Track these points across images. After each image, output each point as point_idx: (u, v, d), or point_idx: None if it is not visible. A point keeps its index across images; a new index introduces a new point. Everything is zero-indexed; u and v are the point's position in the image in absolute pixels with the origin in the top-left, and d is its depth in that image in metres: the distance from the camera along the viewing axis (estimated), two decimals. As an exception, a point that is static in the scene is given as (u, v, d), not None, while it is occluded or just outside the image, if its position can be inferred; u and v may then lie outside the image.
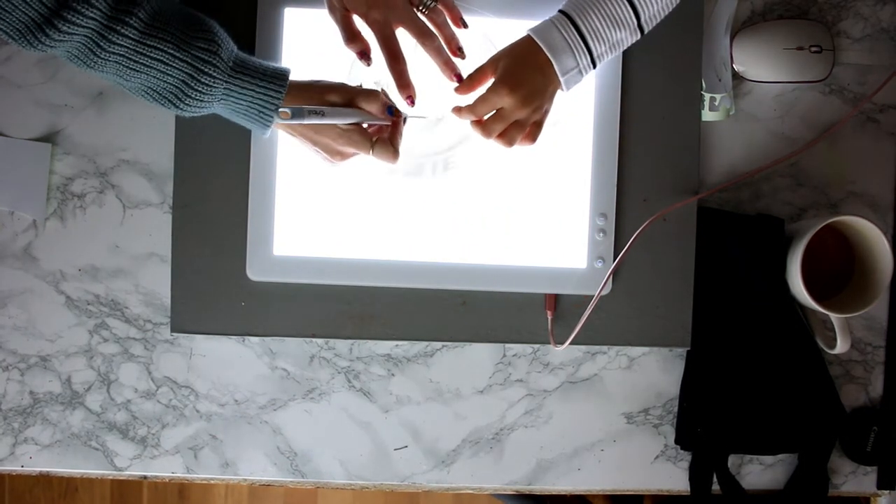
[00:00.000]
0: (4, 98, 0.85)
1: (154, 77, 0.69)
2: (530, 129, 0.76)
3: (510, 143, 0.75)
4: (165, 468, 0.87)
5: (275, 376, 0.87)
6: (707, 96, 0.86)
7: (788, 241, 0.87)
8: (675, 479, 0.90)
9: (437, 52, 0.75)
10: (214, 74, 0.70)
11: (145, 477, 0.88)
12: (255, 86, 0.71)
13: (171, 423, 0.87)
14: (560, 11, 0.74)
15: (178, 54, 0.68)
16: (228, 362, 0.87)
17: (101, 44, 0.66)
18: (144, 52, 0.67)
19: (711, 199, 0.89)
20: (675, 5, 0.75)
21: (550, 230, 0.84)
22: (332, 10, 0.75)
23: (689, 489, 0.89)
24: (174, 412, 0.87)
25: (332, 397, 0.87)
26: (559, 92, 0.76)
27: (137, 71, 0.68)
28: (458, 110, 0.75)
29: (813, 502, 0.89)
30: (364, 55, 0.76)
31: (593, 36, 0.73)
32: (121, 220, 0.86)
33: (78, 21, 0.64)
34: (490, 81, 0.74)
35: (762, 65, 0.88)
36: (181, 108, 0.71)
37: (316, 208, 0.83)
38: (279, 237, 0.83)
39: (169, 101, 0.70)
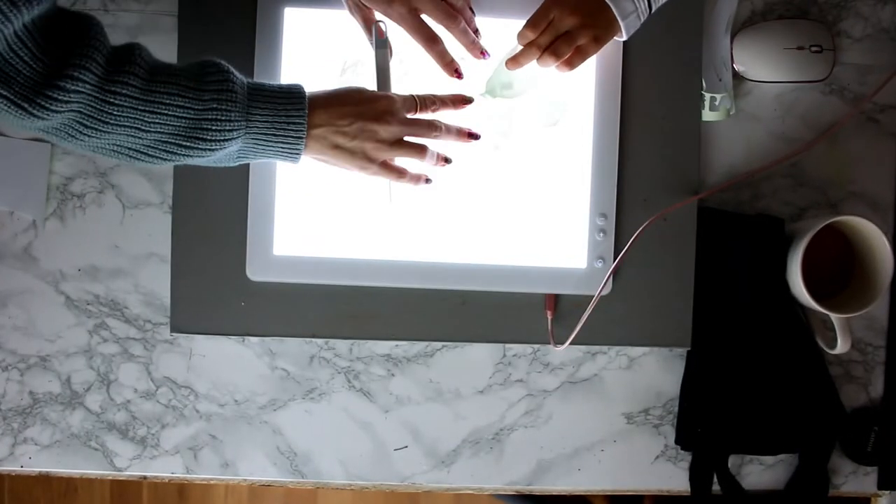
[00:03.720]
0: (4, 98, 0.85)
1: (173, 116, 0.65)
2: (573, 52, 0.77)
3: (557, 56, 0.76)
4: (165, 468, 0.87)
5: (275, 376, 0.87)
6: (707, 96, 0.86)
7: (789, 241, 0.87)
8: (676, 479, 0.90)
9: (462, 34, 0.76)
10: (234, 95, 0.67)
11: (145, 477, 0.88)
12: (276, 104, 0.69)
13: (171, 424, 0.87)
14: None
15: (191, 85, 0.66)
16: (228, 362, 0.87)
17: (112, 89, 0.63)
18: (156, 89, 0.65)
19: (711, 199, 0.89)
20: None
21: (550, 230, 0.84)
22: (352, 10, 0.76)
23: (689, 489, 0.89)
24: (174, 412, 0.87)
25: (332, 397, 0.87)
26: (616, 39, 0.78)
27: (155, 113, 0.65)
28: (520, 35, 0.77)
29: (813, 502, 0.89)
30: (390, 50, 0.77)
31: None
32: (120, 220, 0.86)
33: (77, 84, 0.61)
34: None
35: (762, 65, 0.88)
36: (210, 143, 0.67)
37: (316, 208, 0.83)
38: (279, 237, 0.83)
39: (196, 138, 0.67)
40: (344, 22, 0.80)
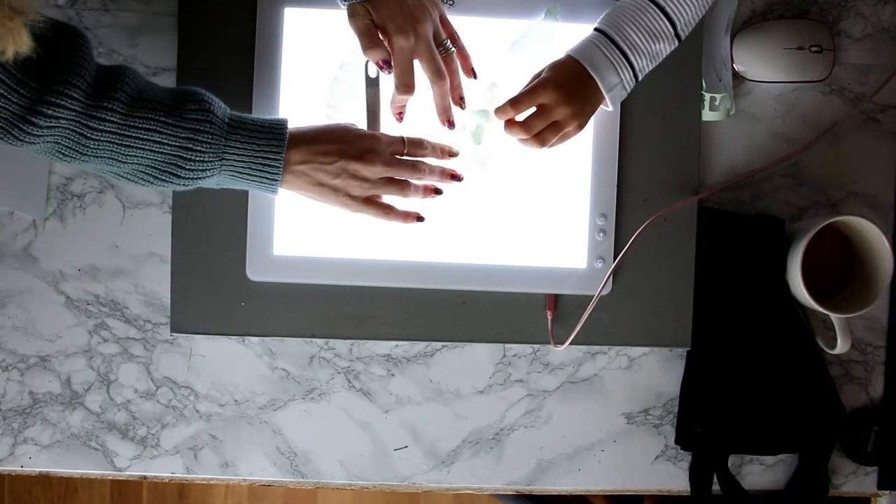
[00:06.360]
0: (4, 98, 0.85)
1: (150, 151, 0.67)
2: (558, 138, 0.76)
3: (542, 143, 0.76)
4: (165, 468, 0.87)
5: (275, 376, 0.87)
6: (707, 96, 0.86)
7: (789, 241, 0.87)
8: (676, 479, 0.90)
9: (441, 97, 0.75)
10: (211, 132, 0.68)
11: (145, 477, 0.88)
12: (254, 140, 0.70)
13: (171, 424, 0.87)
14: (597, 30, 0.75)
15: (169, 121, 0.67)
16: (228, 362, 0.87)
17: (90, 124, 0.65)
18: (134, 124, 0.66)
19: (711, 199, 0.88)
20: (707, 6, 0.76)
21: (550, 230, 0.84)
22: (354, 16, 0.73)
23: (689, 489, 0.89)
24: (174, 412, 0.87)
25: (332, 397, 0.87)
26: (602, 108, 0.77)
27: (132, 147, 0.67)
28: (500, 111, 0.76)
29: (813, 502, 0.89)
30: (387, 63, 0.74)
31: (633, 50, 0.74)
32: (120, 220, 0.86)
33: (58, 110, 0.63)
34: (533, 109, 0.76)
35: (762, 65, 0.88)
36: (183, 180, 0.70)
37: (316, 208, 0.83)
38: (279, 237, 0.83)
39: (170, 173, 0.69)
40: (344, 22, 0.80)
